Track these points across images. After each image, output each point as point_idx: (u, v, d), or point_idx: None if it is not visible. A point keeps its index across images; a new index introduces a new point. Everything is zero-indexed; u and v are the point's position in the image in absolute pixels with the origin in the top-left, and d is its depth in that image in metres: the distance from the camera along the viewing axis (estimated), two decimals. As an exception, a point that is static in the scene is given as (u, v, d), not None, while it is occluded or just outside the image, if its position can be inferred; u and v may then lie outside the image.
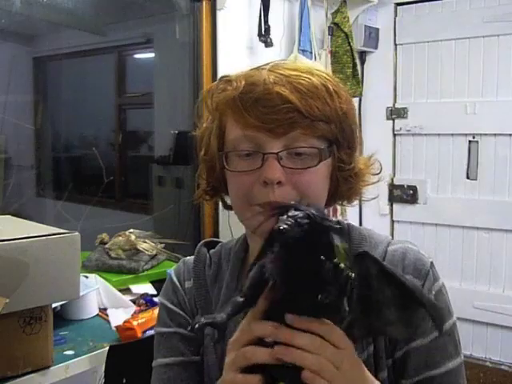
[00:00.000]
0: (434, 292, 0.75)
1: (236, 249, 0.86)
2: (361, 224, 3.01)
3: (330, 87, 0.73)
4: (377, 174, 0.81)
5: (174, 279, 0.89)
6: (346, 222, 0.85)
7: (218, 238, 2.12)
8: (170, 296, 0.88)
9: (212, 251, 0.89)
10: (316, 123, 0.71)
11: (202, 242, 0.91)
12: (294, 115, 0.69)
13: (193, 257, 0.89)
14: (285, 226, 0.53)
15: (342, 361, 0.58)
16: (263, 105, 0.69)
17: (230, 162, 0.75)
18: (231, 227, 1.93)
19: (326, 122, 0.72)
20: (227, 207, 0.85)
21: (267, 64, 0.76)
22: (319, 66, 2.46)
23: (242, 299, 0.61)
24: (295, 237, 0.53)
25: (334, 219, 0.86)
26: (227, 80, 0.76)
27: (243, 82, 0.72)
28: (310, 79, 0.71)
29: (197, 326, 0.60)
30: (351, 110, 0.76)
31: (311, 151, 0.72)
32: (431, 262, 0.78)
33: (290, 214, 0.55)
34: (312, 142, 0.71)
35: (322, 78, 0.73)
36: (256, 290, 0.60)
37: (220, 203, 0.87)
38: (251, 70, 0.76)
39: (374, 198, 0.84)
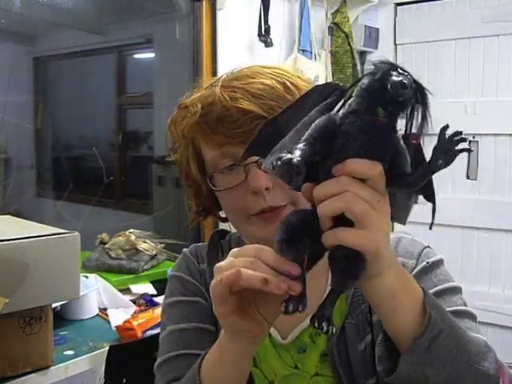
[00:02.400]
0: (429, 262, 0.78)
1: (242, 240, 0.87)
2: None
3: (287, 82, 0.73)
4: None
5: (189, 256, 0.89)
6: None
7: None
8: (184, 269, 0.88)
9: (222, 241, 0.90)
10: None
11: (214, 231, 0.93)
12: (259, 121, 0.69)
13: (205, 243, 0.91)
14: (406, 81, 0.49)
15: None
16: (226, 122, 0.71)
17: (215, 181, 0.76)
18: (231, 227, 1.94)
19: None
20: (223, 220, 0.86)
21: (219, 78, 0.77)
22: (317, 65, 2.46)
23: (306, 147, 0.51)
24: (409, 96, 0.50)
25: None
26: (184, 107, 0.77)
27: (199, 106, 0.74)
28: (263, 82, 0.72)
29: (274, 163, 0.50)
30: None
31: None
32: (427, 245, 0.81)
33: (400, 71, 0.50)
34: None
35: (277, 76, 0.74)
36: (323, 142, 0.52)
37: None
38: (205, 88, 0.77)
39: None
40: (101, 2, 2.53)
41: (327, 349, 0.76)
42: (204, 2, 2.26)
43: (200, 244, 0.92)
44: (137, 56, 3.45)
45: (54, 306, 1.29)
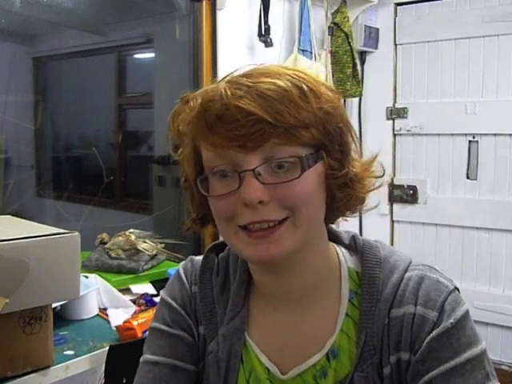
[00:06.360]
0: (453, 323, 0.67)
1: (243, 258, 0.79)
2: (361, 225, 3.01)
3: (304, 87, 0.64)
4: (379, 177, 0.73)
5: (183, 278, 0.83)
6: (361, 238, 0.78)
7: (218, 238, 2.12)
8: (175, 295, 0.82)
9: (221, 255, 0.83)
10: (293, 130, 0.63)
11: (209, 247, 0.84)
12: (262, 126, 0.61)
13: (201, 258, 0.84)
14: None
15: None
16: (225, 121, 0.62)
17: (210, 185, 0.68)
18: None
19: (305, 128, 0.64)
20: None
21: (231, 73, 0.69)
22: (317, 65, 2.46)
23: None
24: None
25: (347, 234, 0.79)
26: (185, 101, 0.69)
27: (199, 100, 0.66)
28: (275, 83, 0.63)
29: None
30: (336, 108, 0.68)
31: (291, 161, 0.64)
32: (452, 290, 0.70)
33: None
34: (292, 150, 0.64)
35: (294, 77, 0.65)
36: None
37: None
38: (213, 83, 0.69)
39: (375, 207, 0.77)
40: (101, 2, 2.53)
41: None
42: (204, 2, 2.26)
43: (197, 259, 0.85)
44: (137, 56, 3.45)
45: (54, 305, 1.29)
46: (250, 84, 0.63)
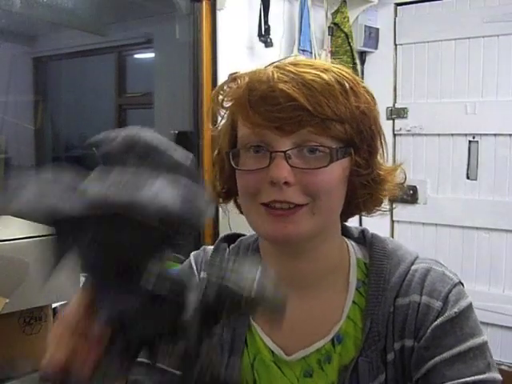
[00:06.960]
0: (456, 312, 0.70)
1: (254, 246, 0.82)
2: (361, 224, 3.01)
3: (346, 85, 0.68)
4: (400, 184, 0.77)
5: (193, 265, 0.85)
6: (370, 232, 0.82)
7: (217, 238, 2.12)
8: None
9: (232, 246, 0.85)
10: (328, 122, 0.66)
11: (222, 236, 0.87)
12: (301, 113, 0.65)
13: (213, 247, 0.86)
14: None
15: None
16: (268, 103, 0.66)
17: (240, 160, 0.71)
18: (231, 227, 1.93)
19: (340, 122, 0.67)
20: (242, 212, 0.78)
21: (279, 60, 0.73)
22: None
23: None
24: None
25: (357, 229, 0.83)
26: (233, 78, 0.73)
27: (246, 80, 0.70)
28: (320, 76, 0.67)
29: None
30: (371, 111, 0.72)
31: (322, 150, 0.67)
32: (457, 283, 0.74)
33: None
34: (324, 141, 0.67)
35: (338, 74, 0.69)
36: None
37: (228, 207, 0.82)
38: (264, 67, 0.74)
39: (389, 210, 0.80)
40: (101, 2, 2.53)
41: (338, 383, 0.72)
42: (204, 2, 2.26)
43: (209, 248, 0.87)
44: (137, 56, 3.45)
45: (54, 306, 1.29)
46: (296, 72, 0.67)
